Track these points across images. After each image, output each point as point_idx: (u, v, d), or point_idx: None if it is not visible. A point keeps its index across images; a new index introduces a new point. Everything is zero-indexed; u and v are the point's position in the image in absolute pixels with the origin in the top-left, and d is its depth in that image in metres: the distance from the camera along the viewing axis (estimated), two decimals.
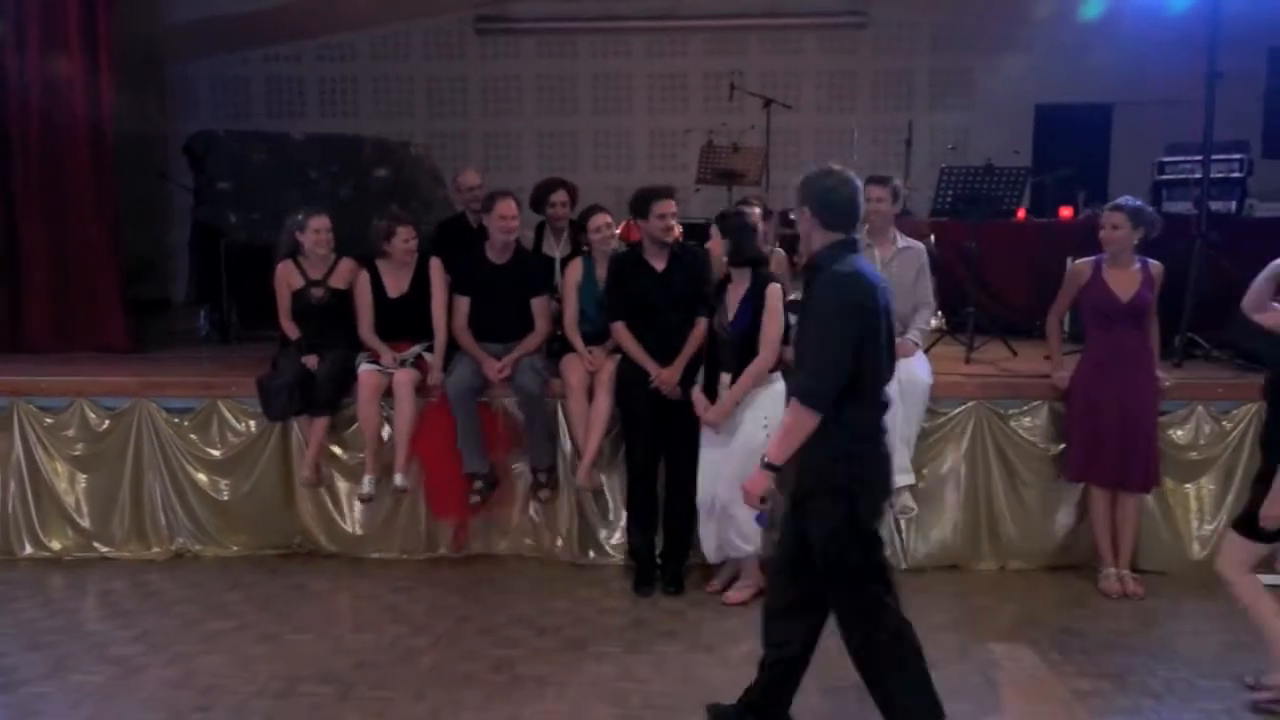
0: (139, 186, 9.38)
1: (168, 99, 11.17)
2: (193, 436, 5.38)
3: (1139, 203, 4.83)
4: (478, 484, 5.17)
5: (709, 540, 4.67)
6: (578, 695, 3.79)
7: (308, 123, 11.00)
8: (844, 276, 3.10)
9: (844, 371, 3.04)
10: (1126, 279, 4.80)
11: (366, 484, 5.15)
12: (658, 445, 4.88)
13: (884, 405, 3.22)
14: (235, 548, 5.40)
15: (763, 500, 3.24)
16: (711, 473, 4.56)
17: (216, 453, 5.38)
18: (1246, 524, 3.71)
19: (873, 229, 5.06)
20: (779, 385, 4.32)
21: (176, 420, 5.38)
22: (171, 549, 5.38)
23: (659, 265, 4.91)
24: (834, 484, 3.13)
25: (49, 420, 5.40)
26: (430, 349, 5.27)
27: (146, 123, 10.32)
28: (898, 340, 4.67)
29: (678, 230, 4.99)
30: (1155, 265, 4.87)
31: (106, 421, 5.40)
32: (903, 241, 5.11)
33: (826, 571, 3.21)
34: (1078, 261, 5.00)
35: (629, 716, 3.63)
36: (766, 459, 3.16)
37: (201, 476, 5.38)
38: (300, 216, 5.31)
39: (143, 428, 5.36)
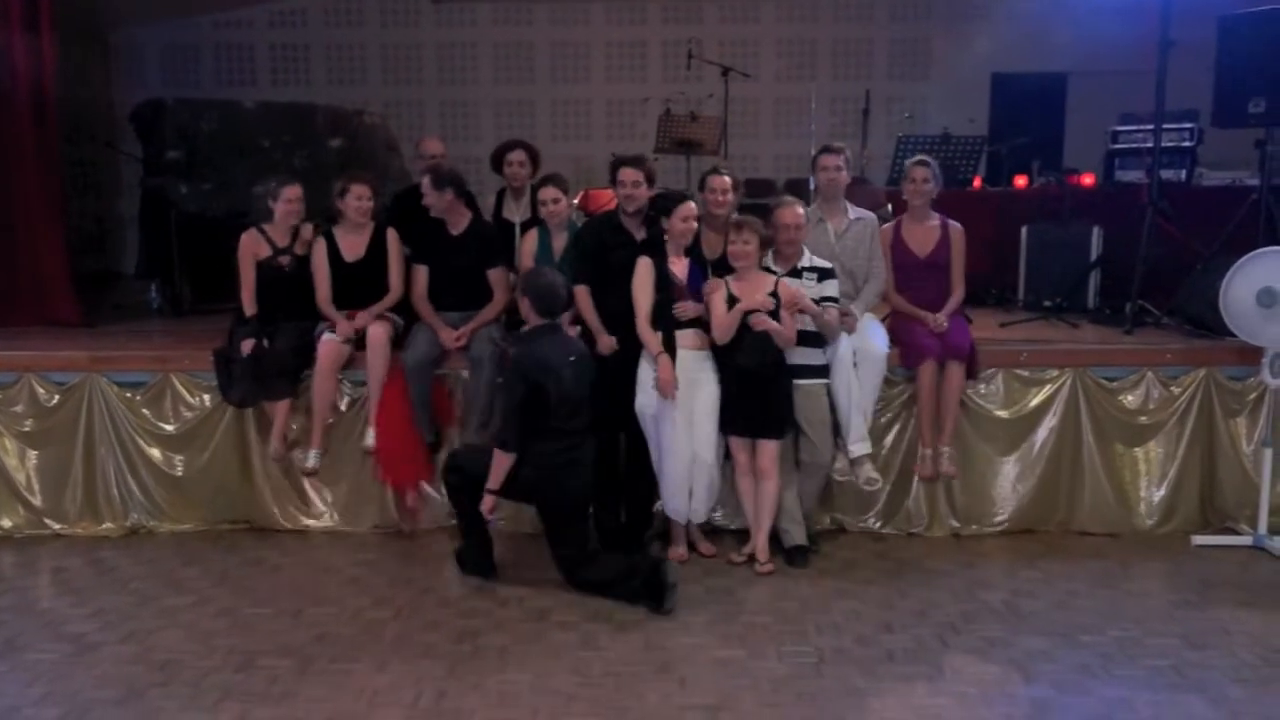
0: (85, 156, 9.19)
1: (113, 67, 10.90)
2: (145, 411, 5.29)
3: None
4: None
5: (694, 500, 4.72)
6: (540, 664, 3.80)
7: (259, 91, 10.79)
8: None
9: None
10: (924, 235, 5.16)
11: (312, 457, 5.12)
12: (615, 415, 4.87)
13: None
14: (190, 523, 5.33)
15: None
16: (684, 437, 4.61)
17: (170, 427, 5.30)
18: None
19: (825, 199, 5.09)
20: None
21: (129, 395, 5.30)
22: (126, 525, 5.31)
23: (639, 235, 4.91)
24: None
25: None
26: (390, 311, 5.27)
27: (91, 91, 10.08)
28: (840, 311, 4.80)
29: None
30: (955, 226, 5.17)
31: (56, 397, 5.30)
32: (854, 213, 5.17)
33: None
34: (883, 226, 5.27)
35: (591, 684, 3.65)
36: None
37: (155, 452, 5.30)
38: (273, 184, 5.25)
39: (94, 403, 5.27)
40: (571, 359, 4.42)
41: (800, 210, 4.77)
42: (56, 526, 5.30)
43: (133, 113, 7.52)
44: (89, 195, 9.68)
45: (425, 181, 5.22)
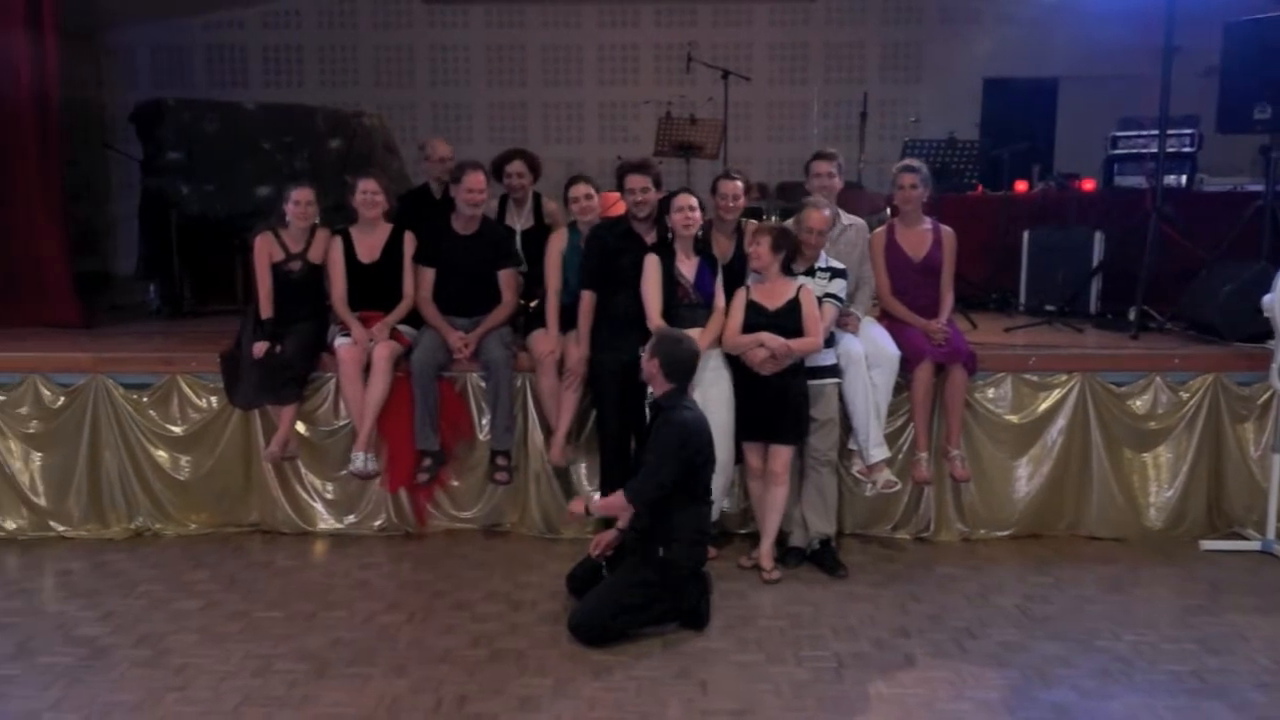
0: (78, 157, 9.09)
1: (105, 68, 10.81)
2: (151, 413, 5.25)
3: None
4: (426, 461, 5.13)
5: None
6: (560, 669, 3.79)
7: (251, 93, 10.72)
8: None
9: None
10: (917, 238, 5.18)
11: (358, 460, 5.03)
12: (629, 419, 4.87)
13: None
14: (195, 526, 5.29)
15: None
16: None
17: (177, 429, 5.25)
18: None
19: None
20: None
21: (135, 396, 5.25)
22: (131, 527, 5.26)
23: (649, 238, 4.91)
24: None
25: (1, 397, 5.23)
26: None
27: (83, 92, 9.98)
28: (841, 311, 4.83)
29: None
30: (946, 230, 5.20)
31: (61, 398, 5.25)
32: (846, 219, 5.20)
33: None
34: (874, 232, 5.30)
35: (613, 689, 3.63)
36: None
37: (161, 454, 5.26)
38: (290, 189, 5.21)
39: (99, 404, 5.22)
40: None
41: (826, 214, 4.80)
42: (61, 529, 5.25)
43: (134, 113, 7.46)
44: (82, 196, 9.58)
45: (480, 175, 5.16)
